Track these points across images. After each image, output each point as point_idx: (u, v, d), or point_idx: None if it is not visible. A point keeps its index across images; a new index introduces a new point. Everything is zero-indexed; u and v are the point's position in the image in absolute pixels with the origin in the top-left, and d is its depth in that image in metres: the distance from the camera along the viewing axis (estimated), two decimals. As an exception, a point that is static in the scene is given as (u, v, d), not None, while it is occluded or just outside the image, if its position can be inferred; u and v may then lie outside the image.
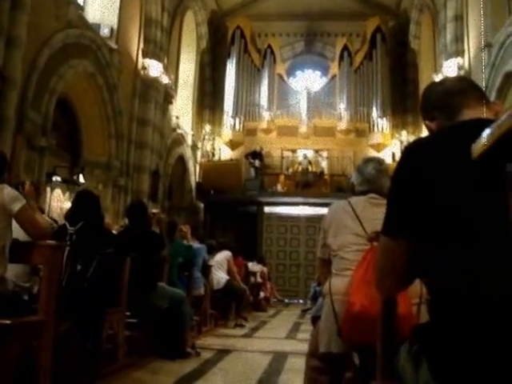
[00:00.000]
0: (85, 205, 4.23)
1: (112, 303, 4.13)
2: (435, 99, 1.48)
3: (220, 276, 8.69)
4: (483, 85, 11.91)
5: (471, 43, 13.35)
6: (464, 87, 1.45)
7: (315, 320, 2.80)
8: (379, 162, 2.85)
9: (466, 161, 1.07)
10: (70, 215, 4.25)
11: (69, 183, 11.11)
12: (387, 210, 1.32)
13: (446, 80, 1.56)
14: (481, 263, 1.09)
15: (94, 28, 11.96)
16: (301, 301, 16.76)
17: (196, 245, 7.60)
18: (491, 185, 1.04)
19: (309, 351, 2.74)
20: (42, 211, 5.92)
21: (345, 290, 2.40)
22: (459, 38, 13.71)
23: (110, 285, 4.10)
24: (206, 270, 7.96)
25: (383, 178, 2.69)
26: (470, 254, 1.10)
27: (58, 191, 10.92)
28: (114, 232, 5.71)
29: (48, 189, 10.28)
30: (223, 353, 5.62)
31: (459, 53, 13.63)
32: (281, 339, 7.44)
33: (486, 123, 1.19)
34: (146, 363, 4.64)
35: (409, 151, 1.29)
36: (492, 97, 11.55)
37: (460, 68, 13.45)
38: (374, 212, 2.45)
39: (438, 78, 14.30)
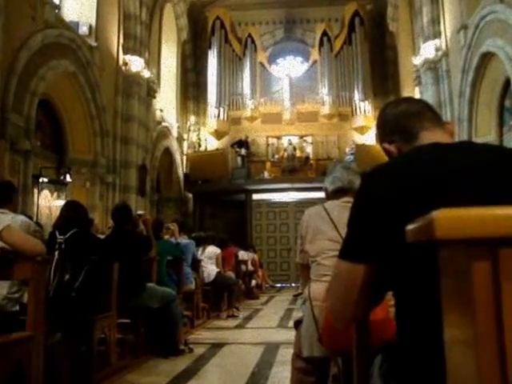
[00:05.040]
0: (73, 214, 4.29)
1: (102, 309, 4.19)
2: (393, 123, 1.46)
3: (210, 269, 8.78)
4: (461, 65, 12.07)
5: (447, 25, 13.47)
6: (419, 109, 1.45)
7: (298, 324, 2.86)
8: (347, 163, 2.99)
9: (418, 200, 1.10)
10: (59, 224, 4.31)
11: (56, 183, 11.16)
12: (347, 234, 1.31)
13: (400, 102, 1.53)
14: None
15: (72, 27, 11.87)
16: (293, 284, 16.95)
17: (184, 241, 7.66)
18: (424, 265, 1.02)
19: (294, 353, 2.78)
20: (30, 217, 5.99)
21: (323, 296, 2.36)
22: (436, 20, 13.81)
23: (99, 292, 4.18)
24: (196, 264, 8.06)
25: (351, 175, 2.78)
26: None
27: (45, 192, 10.97)
28: (102, 236, 5.80)
29: (35, 190, 10.31)
30: (216, 347, 5.71)
31: (436, 34, 13.74)
32: (273, 328, 7.54)
33: (441, 149, 1.26)
34: (139, 364, 4.70)
35: (368, 179, 1.29)
36: (470, 77, 11.71)
37: (438, 49, 13.57)
38: (348, 216, 2.50)
39: (417, 60, 14.45)
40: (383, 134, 1.50)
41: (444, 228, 0.63)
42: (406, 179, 1.18)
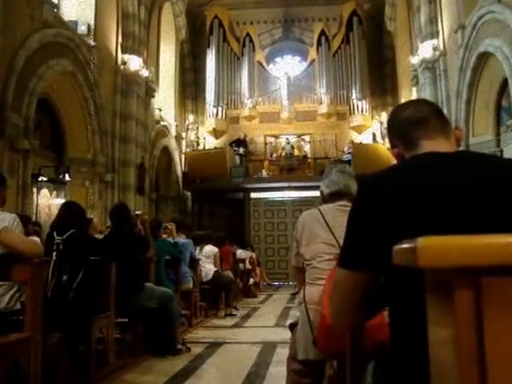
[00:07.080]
0: (71, 215, 4.31)
1: (100, 309, 4.23)
2: (397, 128, 1.47)
3: (208, 268, 8.80)
4: (458, 65, 12.09)
5: (445, 25, 13.48)
6: (425, 115, 1.42)
7: (293, 327, 2.88)
8: (343, 165, 2.99)
9: (414, 208, 1.13)
10: (57, 225, 4.33)
11: (55, 182, 11.16)
12: (345, 242, 1.34)
13: (407, 107, 1.50)
14: None
15: (71, 26, 11.87)
16: (291, 283, 16.95)
17: (182, 240, 7.68)
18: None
19: (289, 355, 2.79)
20: (29, 219, 6.02)
21: (318, 300, 2.42)
22: (433, 20, 13.83)
23: (97, 292, 4.21)
24: (194, 263, 8.08)
25: (347, 179, 2.80)
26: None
27: (44, 191, 10.98)
28: (101, 236, 5.82)
29: (34, 190, 10.32)
30: (213, 346, 5.75)
31: (434, 34, 13.75)
32: (270, 327, 7.56)
33: (436, 159, 1.25)
34: (137, 363, 4.73)
35: (363, 189, 1.31)
36: (467, 77, 11.74)
37: (435, 49, 13.59)
38: (343, 219, 2.46)
39: (414, 60, 14.47)
40: (389, 138, 1.53)
41: (427, 257, 0.64)
42: (398, 191, 1.19)
